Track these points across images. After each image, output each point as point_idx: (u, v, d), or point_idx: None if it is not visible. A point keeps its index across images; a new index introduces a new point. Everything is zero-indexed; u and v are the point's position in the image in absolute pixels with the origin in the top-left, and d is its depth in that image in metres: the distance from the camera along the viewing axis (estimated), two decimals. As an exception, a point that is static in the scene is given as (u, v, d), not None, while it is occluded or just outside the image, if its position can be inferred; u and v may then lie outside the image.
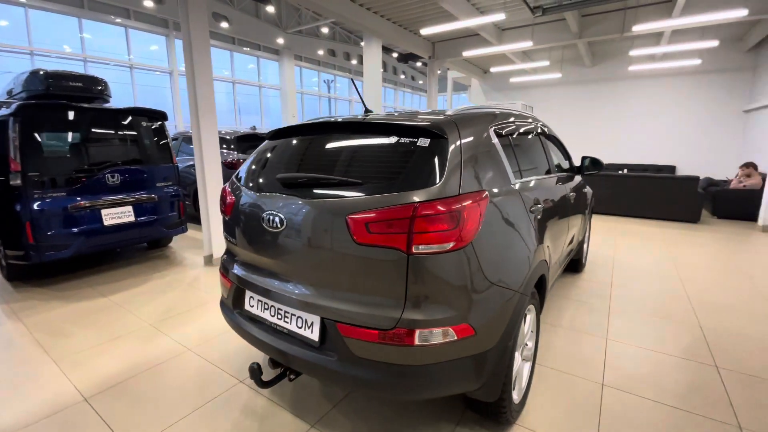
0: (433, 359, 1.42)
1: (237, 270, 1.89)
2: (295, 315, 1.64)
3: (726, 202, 6.91)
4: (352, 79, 2.16)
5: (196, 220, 5.16)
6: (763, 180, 6.48)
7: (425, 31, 5.95)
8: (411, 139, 1.56)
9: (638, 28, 5.96)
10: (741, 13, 5.21)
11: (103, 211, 3.78)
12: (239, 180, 1.99)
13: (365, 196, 1.45)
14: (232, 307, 1.94)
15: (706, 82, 9.18)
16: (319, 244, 1.54)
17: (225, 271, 1.99)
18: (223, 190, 2.05)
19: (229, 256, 2.02)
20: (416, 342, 1.39)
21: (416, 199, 1.38)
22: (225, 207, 1.98)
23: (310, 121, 1.90)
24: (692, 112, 9.47)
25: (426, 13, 6.81)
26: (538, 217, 2.03)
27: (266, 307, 1.76)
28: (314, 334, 1.57)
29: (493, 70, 10.00)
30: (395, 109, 2.60)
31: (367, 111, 2.08)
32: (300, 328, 1.62)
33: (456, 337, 1.42)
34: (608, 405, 2.04)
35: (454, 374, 1.47)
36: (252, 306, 1.83)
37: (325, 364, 1.52)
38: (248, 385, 2.20)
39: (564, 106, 10.90)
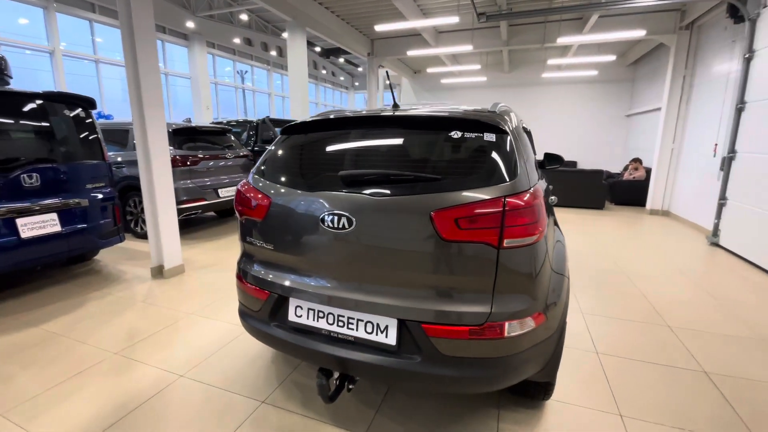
0: (518, 349, 1.46)
1: (276, 278, 1.70)
2: (363, 320, 1.54)
3: (621, 192, 8.30)
4: (387, 72, 2.03)
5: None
6: (647, 173, 7.93)
7: (380, 28, 5.96)
8: (477, 134, 1.57)
9: (562, 40, 6.82)
10: (640, 33, 6.31)
11: (19, 221, 3.02)
12: (268, 178, 1.78)
13: (450, 192, 1.43)
14: (269, 319, 1.74)
15: (599, 90, 10.87)
16: (399, 244, 1.47)
17: (254, 280, 1.77)
18: (249, 190, 1.81)
19: (259, 263, 1.80)
20: (506, 334, 1.42)
21: (501, 193, 1.41)
22: (254, 209, 1.76)
23: (353, 114, 1.78)
24: (589, 116, 11.12)
25: (378, 9, 6.79)
26: (551, 208, 2.22)
27: (321, 315, 1.61)
28: (390, 338, 1.50)
29: (429, 71, 10.46)
30: (385, 105, 2.56)
31: (395, 106, 2.01)
32: (370, 333, 1.53)
33: (534, 325, 1.49)
34: (609, 370, 2.33)
35: (530, 360, 1.54)
36: (299, 316, 1.66)
37: (405, 368, 1.46)
38: (272, 404, 1.99)
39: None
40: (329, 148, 1.79)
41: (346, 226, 1.50)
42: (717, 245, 5.20)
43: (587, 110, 11.14)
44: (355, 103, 26.14)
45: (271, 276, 1.73)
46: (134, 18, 3.28)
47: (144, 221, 5.01)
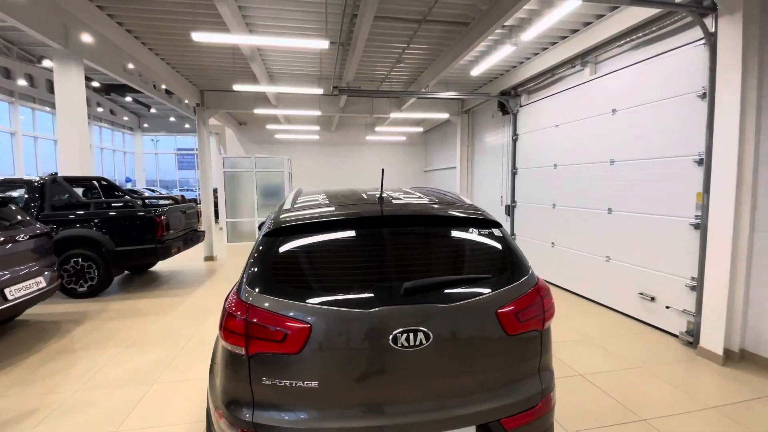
0: (553, 416, 1.70)
1: (326, 423, 1.38)
2: (442, 440, 1.45)
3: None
4: (382, 170, 1.95)
5: None
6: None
7: (238, 87, 5.58)
8: (487, 230, 1.78)
9: (395, 116, 8.15)
10: (444, 115, 8.26)
11: None
12: (279, 294, 1.45)
13: (502, 289, 1.57)
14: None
15: (405, 150, 13.40)
16: (471, 348, 1.49)
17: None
18: (264, 315, 1.42)
19: (292, 410, 1.41)
20: (552, 404, 1.64)
21: (533, 281, 1.66)
22: (284, 341, 1.39)
23: (368, 214, 1.68)
24: (399, 170, 13.40)
25: (235, 69, 6.23)
26: None
27: (394, 452, 1.41)
28: (471, 447, 1.47)
29: (269, 127, 10.31)
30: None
31: (381, 198, 1.99)
32: (452, 452, 1.45)
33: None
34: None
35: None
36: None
37: None
38: None
39: (319, 164, 12.81)
40: (355, 253, 1.63)
41: (423, 341, 1.42)
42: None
43: (398, 165, 13.45)
44: (142, 146, 22.23)
45: (318, 423, 1.39)
46: None
47: None
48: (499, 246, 1.74)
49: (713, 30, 3.32)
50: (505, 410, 1.50)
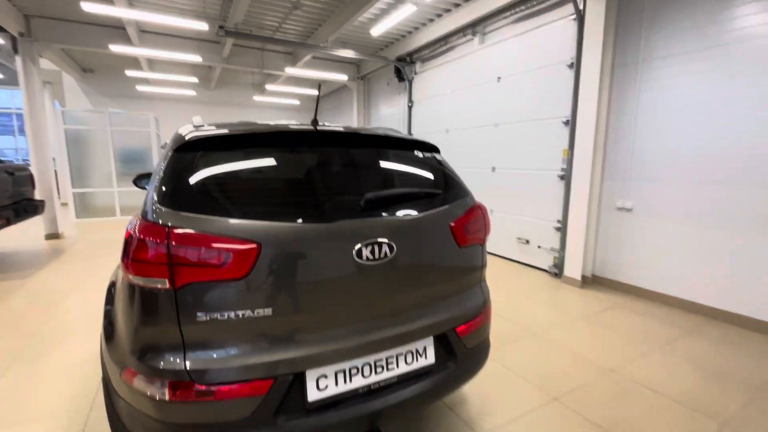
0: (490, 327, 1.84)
1: (283, 353, 1.20)
2: (402, 353, 1.42)
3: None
4: (319, 85, 1.64)
5: None
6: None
7: (89, 7, 4.14)
8: (428, 154, 1.77)
9: (291, 71, 7.46)
10: (342, 77, 7.98)
11: None
12: (212, 212, 1.19)
13: (451, 204, 1.59)
14: (273, 417, 1.20)
15: (301, 117, 12.66)
16: (429, 260, 1.47)
17: (240, 373, 1.16)
18: (196, 238, 1.13)
19: (241, 345, 1.18)
20: (491, 313, 1.77)
21: (473, 200, 1.73)
22: (225, 265, 1.14)
23: (305, 129, 1.48)
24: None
25: None
26: None
27: (354, 372, 1.32)
28: (429, 358, 1.48)
29: (130, 74, 8.21)
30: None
31: (314, 122, 1.81)
32: (410, 363, 1.44)
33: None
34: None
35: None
36: (324, 388, 1.27)
37: (444, 379, 1.51)
38: None
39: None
40: (297, 171, 1.42)
41: (388, 254, 1.33)
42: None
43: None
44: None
45: (272, 355, 1.20)
46: None
47: None
48: (441, 167, 1.75)
49: (582, 7, 3.91)
50: (458, 320, 1.55)
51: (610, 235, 4.09)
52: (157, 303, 1.14)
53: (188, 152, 1.34)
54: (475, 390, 2.26)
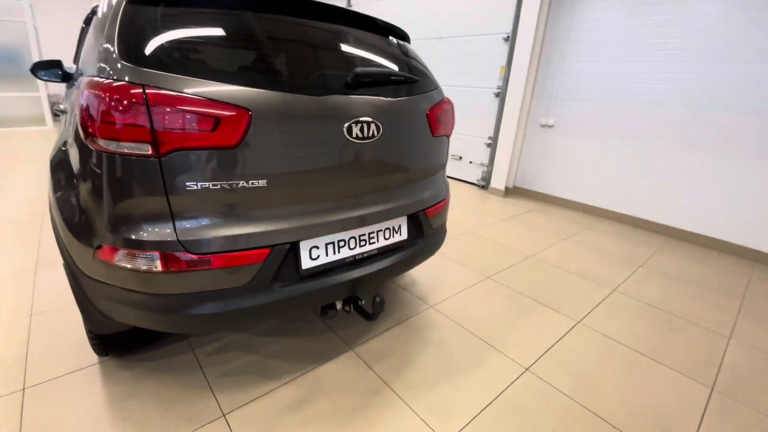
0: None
1: (278, 224, 1.24)
2: (381, 230, 1.55)
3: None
4: None
5: None
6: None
7: None
8: (402, 42, 1.76)
9: None
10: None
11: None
12: (187, 72, 1.09)
13: (426, 93, 1.63)
14: (271, 283, 1.27)
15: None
16: (408, 144, 1.54)
17: (235, 243, 1.18)
18: (174, 99, 1.04)
19: (235, 216, 1.18)
20: (449, 199, 1.96)
21: (443, 94, 1.79)
22: (214, 131, 1.08)
23: None
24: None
25: None
26: None
27: (342, 244, 1.43)
28: (402, 234, 1.64)
29: None
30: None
31: None
32: (388, 238, 1.58)
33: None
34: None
35: None
36: (316, 258, 1.36)
37: (413, 253, 1.70)
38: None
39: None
40: (283, 37, 1.31)
41: (375, 134, 1.36)
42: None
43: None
44: None
45: (270, 225, 1.22)
46: None
47: None
48: (413, 57, 1.75)
49: None
50: (427, 202, 1.70)
51: (533, 149, 4.57)
52: (140, 172, 1.06)
53: (146, 5, 1.15)
54: (424, 274, 2.58)
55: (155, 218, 1.11)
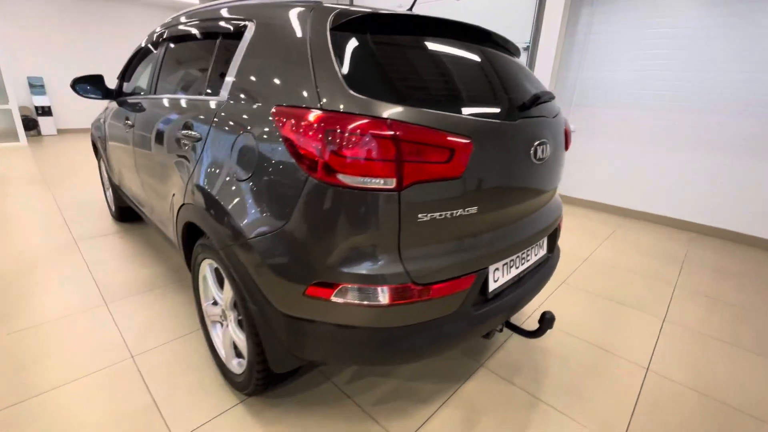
0: None
1: (478, 249, 1.24)
2: (533, 247, 1.57)
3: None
4: None
5: None
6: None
7: None
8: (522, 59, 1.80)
9: None
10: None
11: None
12: (411, 103, 1.08)
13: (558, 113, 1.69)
14: (471, 309, 1.27)
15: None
16: (559, 161, 1.59)
17: (450, 271, 1.17)
18: (429, 135, 1.03)
19: (447, 244, 1.16)
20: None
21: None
22: (449, 162, 1.07)
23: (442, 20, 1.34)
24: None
25: None
26: None
27: (512, 264, 1.44)
28: (544, 249, 1.67)
29: None
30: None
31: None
32: (537, 254, 1.61)
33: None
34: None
35: None
36: (497, 280, 1.37)
37: (550, 267, 1.73)
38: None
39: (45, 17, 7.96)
40: (471, 64, 1.34)
41: (548, 153, 1.40)
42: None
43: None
44: None
45: (475, 251, 1.22)
46: None
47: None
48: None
49: (557, -73, 3.99)
50: (558, 218, 1.75)
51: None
52: (377, 206, 1.03)
53: (350, 32, 1.13)
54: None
55: (383, 251, 1.08)
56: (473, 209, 1.18)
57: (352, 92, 1.03)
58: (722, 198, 3.76)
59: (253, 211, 1.18)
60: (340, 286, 1.09)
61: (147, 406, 1.51)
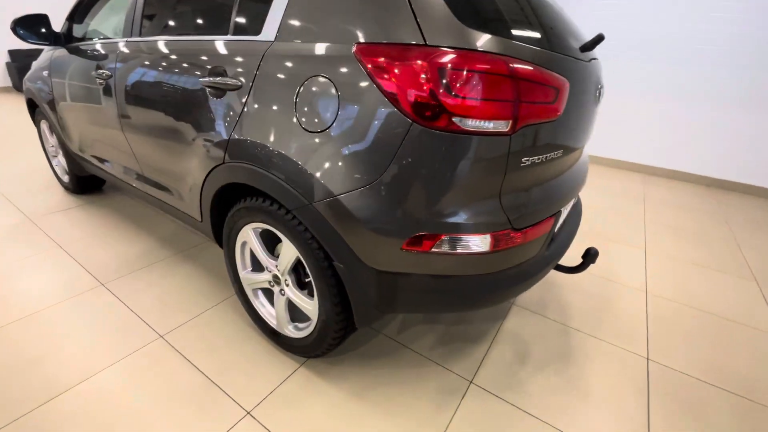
0: None
1: (555, 191, 1.27)
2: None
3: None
4: None
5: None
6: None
7: None
8: None
9: None
10: None
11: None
12: (500, 33, 1.01)
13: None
14: (547, 249, 1.33)
15: None
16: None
17: (540, 213, 1.19)
18: (539, 74, 0.99)
19: (532, 188, 1.17)
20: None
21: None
22: (552, 102, 1.05)
23: None
24: None
25: None
26: None
27: (565, 207, 1.51)
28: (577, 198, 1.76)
29: None
30: None
31: None
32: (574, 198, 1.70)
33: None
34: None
35: None
36: (560, 222, 1.42)
37: (579, 209, 1.83)
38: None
39: None
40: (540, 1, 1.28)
41: (600, 96, 1.43)
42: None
43: None
44: None
45: (553, 195, 1.25)
46: None
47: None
48: None
49: None
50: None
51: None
52: (489, 151, 0.99)
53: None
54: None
55: (486, 199, 1.06)
56: (559, 152, 1.20)
57: (462, 25, 0.94)
58: (671, 141, 4.22)
59: (337, 165, 1.08)
60: (441, 238, 1.06)
61: (202, 383, 1.42)
